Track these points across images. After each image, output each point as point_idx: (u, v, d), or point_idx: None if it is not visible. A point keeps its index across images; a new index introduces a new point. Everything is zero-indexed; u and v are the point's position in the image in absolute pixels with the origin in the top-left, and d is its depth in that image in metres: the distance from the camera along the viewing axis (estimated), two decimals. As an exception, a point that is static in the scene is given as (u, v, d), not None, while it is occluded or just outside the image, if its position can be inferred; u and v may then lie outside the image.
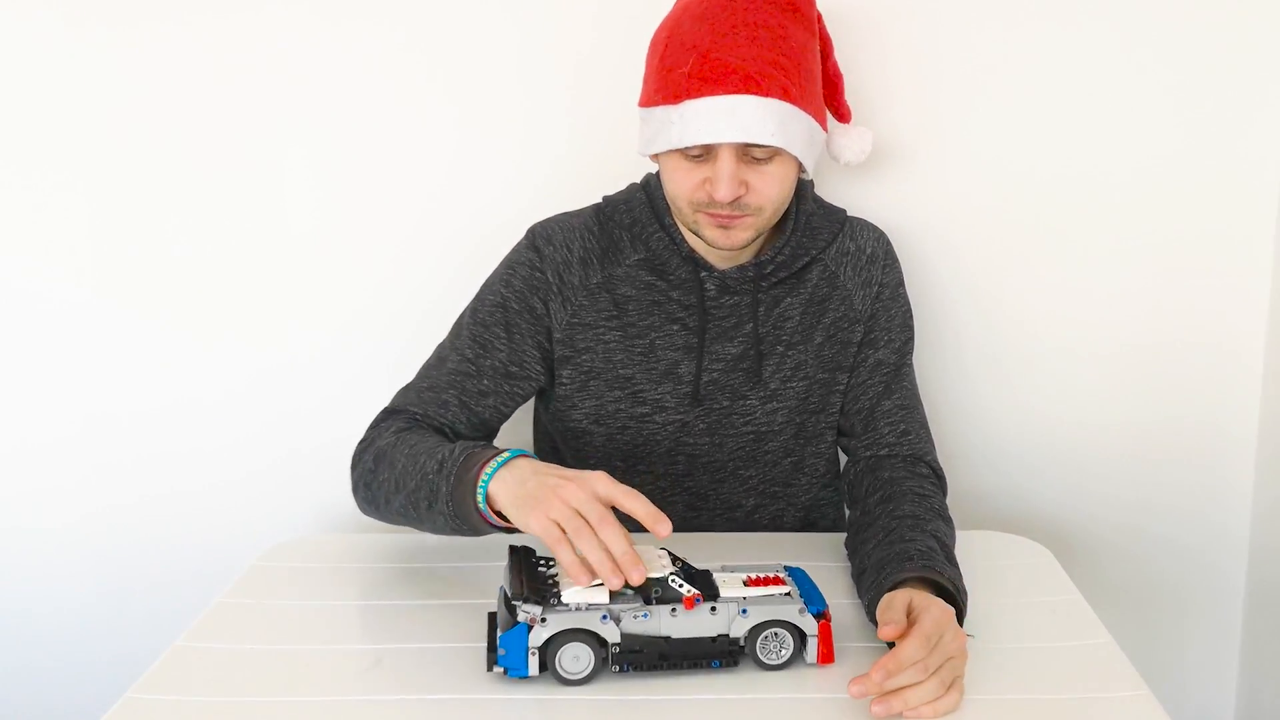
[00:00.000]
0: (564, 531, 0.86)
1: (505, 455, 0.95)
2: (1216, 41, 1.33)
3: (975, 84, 1.35)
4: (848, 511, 1.20)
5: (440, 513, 0.98)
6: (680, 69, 1.03)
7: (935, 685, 0.83)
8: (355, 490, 1.11)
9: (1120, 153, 1.37)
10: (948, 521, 1.07)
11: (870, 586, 0.96)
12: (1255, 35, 1.33)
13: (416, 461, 1.02)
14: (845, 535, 1.21)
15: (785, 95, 1.02)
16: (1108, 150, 1.37)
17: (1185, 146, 1.36)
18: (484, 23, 1.35)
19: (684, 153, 1.04)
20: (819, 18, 1.13)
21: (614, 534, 0.85)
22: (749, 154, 1.03)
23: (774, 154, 1.04)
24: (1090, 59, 1.34)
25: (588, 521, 0.86)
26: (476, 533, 0.98)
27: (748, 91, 1.01)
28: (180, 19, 1.34)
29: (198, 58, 1.35)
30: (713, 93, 1.01)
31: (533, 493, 0.89)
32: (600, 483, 0.88)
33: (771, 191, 1.06)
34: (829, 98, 1.17)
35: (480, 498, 0.93)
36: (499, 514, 0.94)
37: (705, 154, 1.04)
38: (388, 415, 1.15)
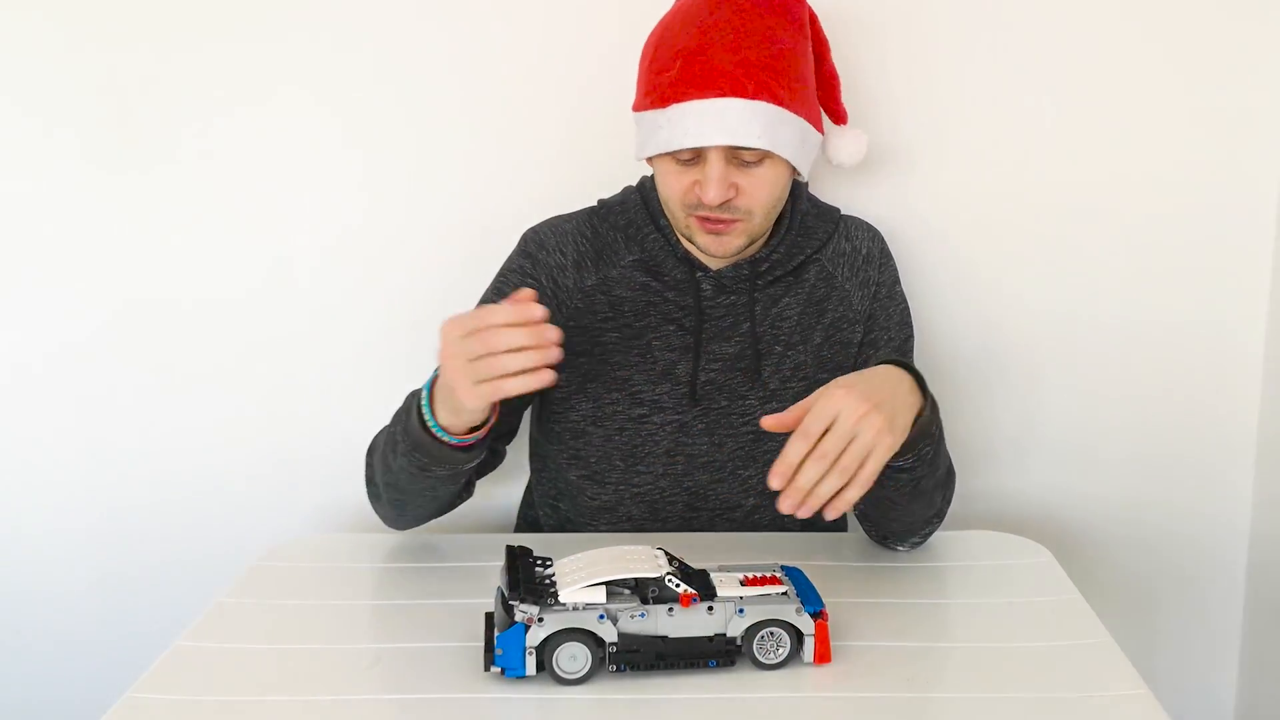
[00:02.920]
0: (488, 380, 0.89)
1: (427, 380, 0.98)
2: (1216, 41, 1.33)
3: (972, 83, 1.35)
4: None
5: (404, 455, 1.01)
6: (667, 73, 1.04)
7: (836, 476, 0.87)
8: (373, 501, 1.14)
9: (1118, 151, 1.37)
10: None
11: None
12: (1255, 35, 1.33)
13: (388, 431, 1.07)
14: (844, 535, 1.22)
15: (773, 98, 1.02)
16: (1106, 149, 1.37)
17: (1184, 146, 1.36)
18: (481, 24, 1.35)
19: (674, 156, 1.05)
20: (814, 19, 1.13)
21: (499, 339, 0.88)
22: (738, 157, 1.04)
23: (763, 157, 1.04)
24: (1088, 58, 1.34)
25: (486, 356, 0.89)
26: (450, 463, 1.01)
27: (734, 94, 1.01)
28: (184, 24, 1.34)
29: (201, 57, 1.36)
30: (699, 95, 1.01)
31: (444, 386, 0.94)
32: (453, 330, 0.90)
33: (761, 195, 1.06)
34: (825, 99, 1.17)
35: (430, 423, 0.98)
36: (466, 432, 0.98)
37: (695, 157, 1.04)
38: None
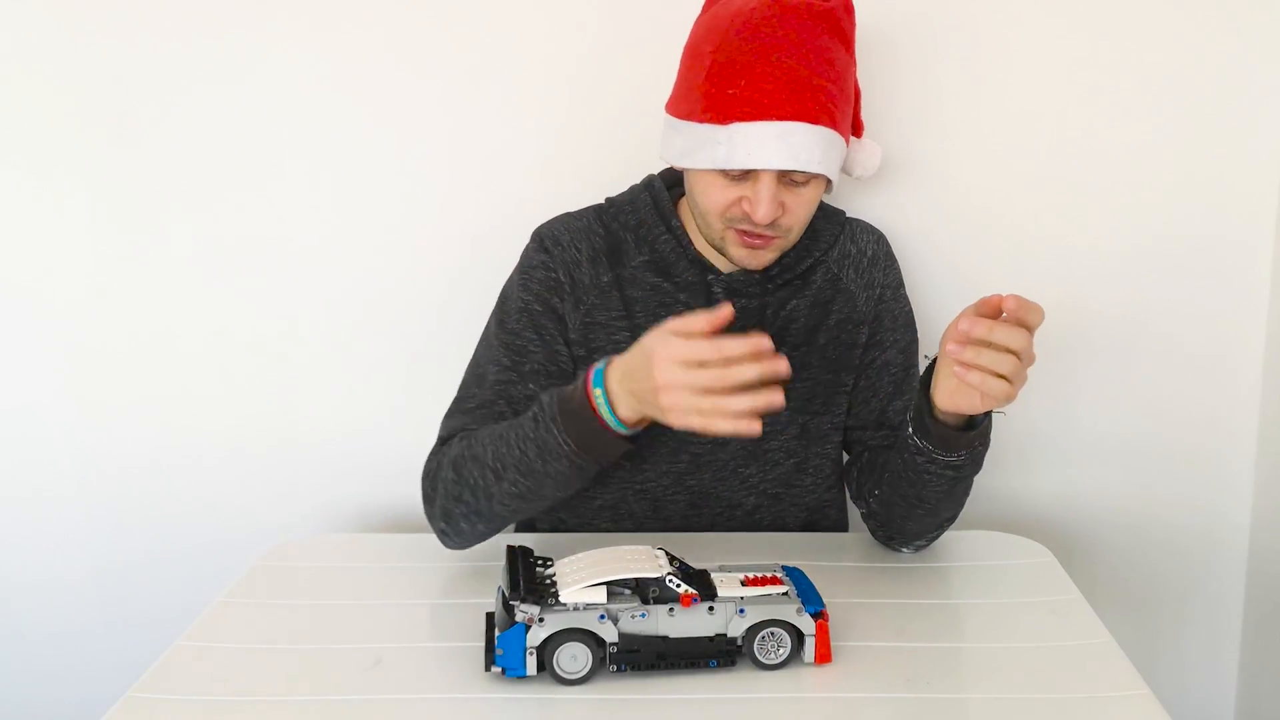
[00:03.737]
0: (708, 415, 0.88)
1: (596, 375, 0.95)
2: (1216, 45, 1.33)
3: (973, 85, 1.35)
4: (854, 506, 1.20)
5: (560, 455, 0.97)
6: (730, 89, 1.02)
7: (1009, 363, 0.89)
8: (446, 518, 1.07)
9: (1120, 156, 1.37)
10: None
11: (910, 415, 1.03)
12: (1255, 37, 1.33)
13: (505, 438, 1.01)
14: (845, 535, 1.22)
15: (831, 122, 1.03)
16: (1108, 154, 1.36)
17: (1185, 149, 1.36)
18: (486, 23, 1.35)
19: (723, 171, 1.04)
20: None
21: (731, 375, 0.87)
22: (788, 177, 1.04)
23: (811, 178, 1.05)
24: (1089, 63, 1.34)
25: (706, 389, 0.88)
26: (602, 461, 0.98)
27: (798, 118, 1.01)
28: (193, 22, 1.34)
29: (201, 57, 1.36)
30: (764, 117, 1.01)
31: (642, 400, 0.92)
32: (671, 351, 0.89)
33: (803, 213, 1.07)
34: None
35: (609, 416, 0.94)
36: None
37: (745, 174, 1.04)
38: (444, 442, 1.12)
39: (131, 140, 1.38)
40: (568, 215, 1.20)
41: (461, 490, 1.04)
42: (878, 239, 1.23)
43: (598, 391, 0.95)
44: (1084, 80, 1.35)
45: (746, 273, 1.14)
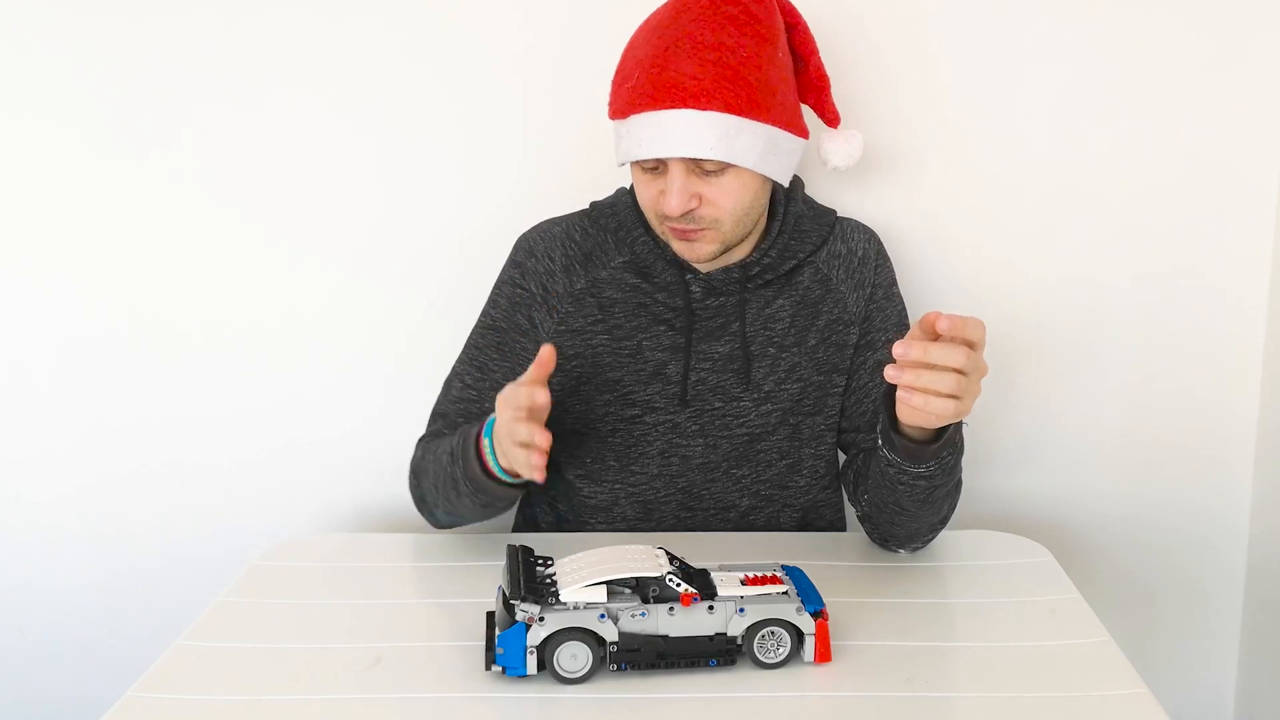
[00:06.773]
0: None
1: (488, 424, 1.02)
2: (1215, 40, 1.33)
3: (971, 84, 1.35)
4: (850, 507, 1.20)
5: (468, 496, 1.07)
6: (626, 84, 1.05)
7: (951, 381, 0.89)
8: (419, 508, 1.20)
9: (1117, 152, 1.37)
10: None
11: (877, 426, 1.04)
12: (1255, 35, 1.33)
13: (439, 463, 1.11)
14: (844, 535, 1.22)
15: (729, 108, 1.02)
16: (1105, 150, 1.37)
17: (1183, 144, 1.36)
18: (476, 27, 1.35)
19: (642, 165, 1.07)
20: (797, 25, 1.12)
21: (516, 430, 0.95)
22: (700, 167, 1.04)
23: (725, 166, 1.04)
24: (1084, 57, 1.34)
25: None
26: (510, 500, 1.09)
27: (687, 105, 1.01)
28: (182, 24, 1.35)
29: (200, 62, 1.36)
30: (653, 107, 1.03)
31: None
32: (501, 408, 0.98)
33: (726, 203, 1.06)
34: (815, 102, 1.16)
35: (495, 468, 1.03)
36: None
37: (660, 167, 1.06)
38: (421, 441, 1.22)
39: (131, 141, 1.38)
40: (550, 221, 1.22)
41: (419, 494, 1.18)
42: (869, 238, 1.22)
43: (486, 441, 1.02)
44: (1080, 74, 1.35)
45: (725, 271, 1.14)
